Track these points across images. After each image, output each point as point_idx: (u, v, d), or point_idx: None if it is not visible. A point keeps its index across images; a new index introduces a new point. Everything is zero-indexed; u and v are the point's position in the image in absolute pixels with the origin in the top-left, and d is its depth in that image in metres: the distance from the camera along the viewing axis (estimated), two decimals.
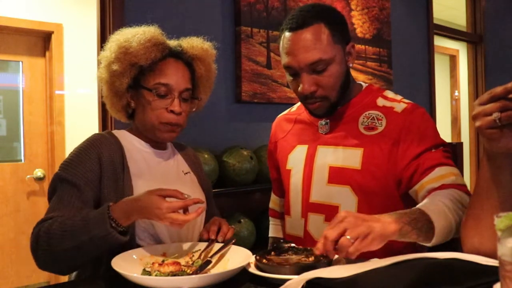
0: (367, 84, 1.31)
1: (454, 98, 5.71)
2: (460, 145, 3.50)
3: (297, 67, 1.16)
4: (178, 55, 1.26)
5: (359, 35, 3.03)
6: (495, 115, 0.75)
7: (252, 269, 0.92)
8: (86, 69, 3.43)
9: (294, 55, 1.15)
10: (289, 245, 1.03)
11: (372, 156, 1.17)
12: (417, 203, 1.08)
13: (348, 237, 0.84)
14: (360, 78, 3.02)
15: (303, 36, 1.15)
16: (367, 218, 0.89)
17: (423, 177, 1.11)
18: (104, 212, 0.99)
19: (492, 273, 0.69)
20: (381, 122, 1.20)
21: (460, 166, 3.60)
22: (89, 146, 1.15)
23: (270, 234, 1.54)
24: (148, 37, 1.18)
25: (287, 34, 1.18)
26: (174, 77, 1.20)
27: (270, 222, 1.55)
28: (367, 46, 3.07)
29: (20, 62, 3.27)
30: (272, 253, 1.01)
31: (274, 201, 1.52)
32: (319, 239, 0.88)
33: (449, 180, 1.09)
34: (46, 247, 1.00)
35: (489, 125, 0.77)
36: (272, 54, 2.48)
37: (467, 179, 3.58)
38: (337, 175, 1.20)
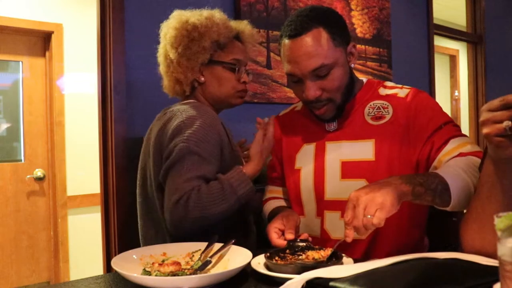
0: (366, 79, 1.32)
1: (454, 98, 5.71)
2: None
3: (300, 74, 1.16)
4: (238, 35, 1.45)
5: (359, 35, 3.03)
6: (506, 123, 0.73)
7: (261, 268, 0.92)
8: (86, 69, 3.44)
9: (296, 62, 1.15)
10: (304, 244, 1.04)
11: (385, 145, 1.17)
12: None
13: (368, 216, 0.86)
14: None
15: (303, 42, 1.14)
16: (377, 187, 0.90)
17: (439, 153, 1.12)
18: (242, 173, 1.19)
19: (492, 273, 0.69)
20: (387, 110, 1.21)
21: None
22: (212, 122, 1.27)
23: (273, 207, 1.39)
24: (226, 18, 1.41)
25: (286, 41, 1.18)
26: (243, 53, 1.43)
27: (267, 205, 1.43)
28: (367, 46, 3.07)
29: (20, 62, 3.27)
30: (287, 251, 1.02)
31: (275, 191, 1.44)
32: (345, 230, 0.90)
33: (465, 149, 1.09)
34: (198, 214, 1.12)
35: (498, 133, 0.75)
36: (272, 54, 2.48)
37: None
38: (350, 169, 1.19)
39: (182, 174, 1.17)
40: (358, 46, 3.02)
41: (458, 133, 1.14)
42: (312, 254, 1.01)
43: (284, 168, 1.36)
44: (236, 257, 1.00)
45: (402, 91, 1.23)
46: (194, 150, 1.19)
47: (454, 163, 1.04)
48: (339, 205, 1.19)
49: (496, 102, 0.75)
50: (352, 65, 1.24)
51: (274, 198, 1.42)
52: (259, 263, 0.96)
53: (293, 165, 1.31)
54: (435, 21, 3.67)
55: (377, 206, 0.87)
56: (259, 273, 0.92)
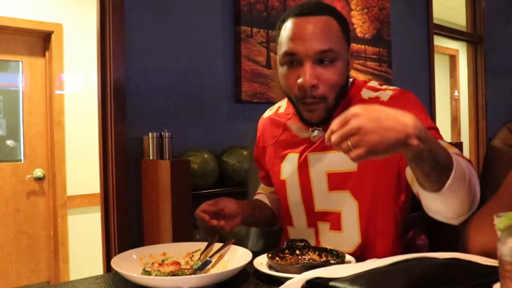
0: (351, 79, 1.21)
1: (454, 98, 5.71)
2: (460, 145, 3.51)
3: (303, 54, 1.05)
4: None
5: (359, 35, 3.03)
6: None
7: (264, 268, 0.92)
8: (86, 69, 3.44)
9: (303, 40, 1.05)
10: (303, 243, 1.04)
11: None
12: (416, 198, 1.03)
13: (349, 143, 0.75)
14: (360, 78, 3.02)
15: (316, 21, 1.06)
16: (384, 118, 0.75)
17: None
18: None
19: (492, 273, 0.69)
20: None
21: None
22: None
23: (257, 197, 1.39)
24: None
25: (294, 19, 1.08)
26: None
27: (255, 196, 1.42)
28: (367, 46, 3.07)
29: (20, 62, 3.27)
30: (286, 251, 1.02)
31: (263, 188, 1.42)
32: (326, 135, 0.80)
33: (452, 151, 0.93)
34: None
35: None
36: (272, 54, 2.48)
37: None
38: (336, 181, 1.14)
39: None
40: (358, 46, 3.02)
41: (442, 138, 1.06)
42: (312, 255, 1.01)
43: (270, 175, 1.30)
44: (236, 257, 1.00)
45: (385, 94, 1.14)
46: None
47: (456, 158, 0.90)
48: (328, 217, 1.17)
49: None
50: (350, 79, 1.18)
51: (260, 193, 1.41)
52: (261, 263, 0.96)
53: (279, 175, 1.25)
54: (435, 21, 3.67)
55: (367, 144, 0.74)
56: (261, 273, 0.92)
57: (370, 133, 0.74)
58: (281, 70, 1.12)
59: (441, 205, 0.92)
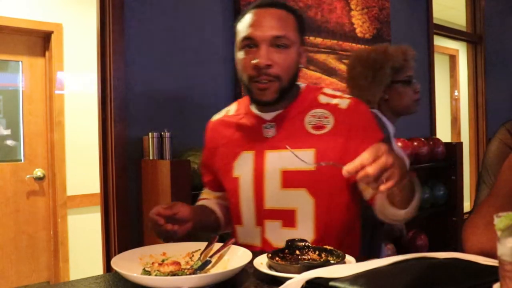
0: (304, 84, 1.29)
1: (454, 98, 5.71)
2: (460, 145, 3.50)
3: (260, 38, 1.15)
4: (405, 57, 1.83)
5: (359, 35, 3.03)
6: None
7: (264, 268, 0.92)
8: (86, 69, 3.44)
9: (261, 26, 1.15)
10: (303, 243, 1.04)
11: (325, 155, 1.15)
12: (362, 194, 1.18)
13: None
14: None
15: (273, 11, 1.18)
16: (398, 157, 0.89)
17: None
18: None
19: (492, 273, 0.69)
20: (328, 120, 1.20)
21: (460, 166, 3.57)
22: None
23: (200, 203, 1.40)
24: (396, 47, 1.84)
25: (253, 11, 1.19)
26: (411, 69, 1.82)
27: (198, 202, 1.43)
28: (367, 46, 3.07)
29: (20, 62, 3.27)
30: (286, 251, 1.02)
31: (207, 193, 1.42)
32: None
33: (397, 148, 1.23)
34: None
35: None
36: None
37: (466, 178, 3.58)
38: (291, 179, 1.18)
39: None
40: (358, 46, 3.02)
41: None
42: (312, 255, 1.01)
43: (220, 177, 1.31)
44: (236, 257, 1.00)
45: (343, 102, 1.22)
46: None
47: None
48: (280, 214, 1.19)
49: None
50: (301, 66, 1.24)
51: (204, 199, 1.41)
52: (261, 263, 0.96)
53: (231, 173, 1.26)
54: (435, 21, 3.67)
55: (396, 177, 0.86)
56: (261, 272, 0.92)
57: (399, 169, 0.87)
58: (239, 55, 1.20)
59: (402, 215, 1.10)
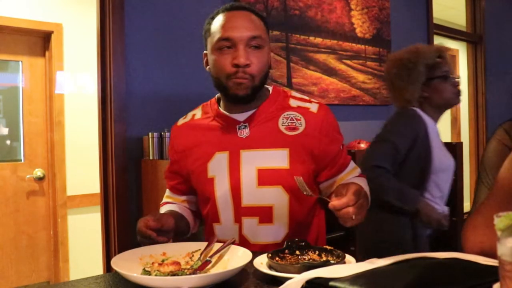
0: (271, 86, 1.35)
1: None
2: (460, 145, 3.51)
3: (237, 39, 1.20)
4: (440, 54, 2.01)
5: (359, 35, 3.03)
6: None
7: (264, 268, 0.92)
8: (86, 69, 3.44)
9: (236, 27, 1.21)
10: (303, 243, 1.04)
11: (298, 154, 1.24)
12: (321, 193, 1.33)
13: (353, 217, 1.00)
14: (360, 78, 3.03)
15: (245, 14, 1.24)
16: (364, 205, 1.04)
17: (342, 171, 1.32)
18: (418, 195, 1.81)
19: (492, 273, 0.69)
20: (300, 122, 1.27)
21: (460, 166, 3.60)
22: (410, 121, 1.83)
23: (165, 210, 1.39)
24: (427, 46, 2.10)
25: (224, 13, 1.24)
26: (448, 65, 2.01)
27: (163, 208, 1.43)
28: (367, 46, 3.07)
29: (20, 62, 3.27)
30: (286, 251, 1.02)
31: (172, 197, 1.44)
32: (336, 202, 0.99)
33: (358, 171, 1.36)
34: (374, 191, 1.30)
35: None
36: (271, 54, 2.48)
37: (466, 178, 3.57)
38: (266, 177, 1.23)
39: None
40: (357, 46, 3.02)
41: (348, 156, 1.37)
42: (312, 255, 1.01)
43: (192, 178, 1.33)
44: (236, 257, 1.00)
45: (312, 106, 1.31)
46: (390, 139, 1.84)
47: (364, 184, 1.27)
48: (256, 211, 1.24)
49: None
50: (271, 68, 1.31)
51: (170, 203, 1.42)
52: (261, 263, 0.96)
53: (205, 174, 1.28)
54: (435, 21, 3.67)
55: (363, 214, 1.04)
56: (261, 272, 0.92)
57: (365, 208, 1.05)
58: (214, 56, 1.24)
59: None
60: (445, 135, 5.17)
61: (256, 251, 1.09)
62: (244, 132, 1.27)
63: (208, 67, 1.30)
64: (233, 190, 1.25)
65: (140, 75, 2.15)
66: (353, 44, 3.00)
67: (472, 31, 4.22)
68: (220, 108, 1.32)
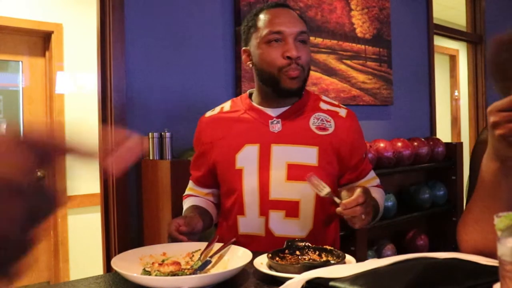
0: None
1: (454, 98, 5.71)
2: (460, 145, 3.50)
3: (288, 33, 1.26)
4: None
5: (359, 35, 3.03)
6: None
7: (264, 268, 0.92)
8: (86, 69, 3.44)
9: (287, 21, 1.27)
10: (303, 243, 1.04)
11: (326, 154, 1.29)
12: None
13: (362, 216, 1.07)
14: (360, 78, 3.02)
15: (290, 11, 1.31)
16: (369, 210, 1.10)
17: (362, 177, 1.38)
18: None
19: (492, 273, 0.69)
20: (330, 124, 1.33)
21: (460, 166, 3.57)
22: None
23: (189, 205, 1.41)
24: None
25: (271, 10, 1.30)
26: None
27: (186, 201, 1.45)
28: (367, 46, 3.07)
29: (20, 62, 3.27)
30: (286, 251, 1.02)
31: (195, 190, 1.45)
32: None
33: (377, 182, 1.41)
34: None
35: None
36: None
37: (466, 178, 3.57)
38: (296, 172, 1.26)
39: None
40: (358, 46, 3.02)
41: (370, 165, 1.42)
42: (312, 255, 1.01)
43: (219, 169, 1.35)
44: (236, 257, 1.00)
45: (341, 110, 1.37)
46: None
47: (379, 195, 1.35)
48: (284, 205, 1.27)
49: (506, 101, 0.74)
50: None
51: (194, 196, 1.44)
52: (261, 263, 0.96)
53: (233, 165, 1.30)
54: (435, 21, 3.67)
55: (364, 219, 1.09)
56: (261, 273, 0.92)
57: (371, 210, 1.12)
58: (261, 50, 1.29)
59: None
60: (445, 135, 5.18)
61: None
62: (276, 127, 1.31)
63: (249, 62, 1.34)
64: (262, 182, 1.27)
65: (140, 75, 2.15)
66: (353, 44, 3.00)
67: (472, 31, 4.21)
68: (253, 102, 1.36)
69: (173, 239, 1.15)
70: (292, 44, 1.25)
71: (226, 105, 1.42)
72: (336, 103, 1.41)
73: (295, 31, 1.27)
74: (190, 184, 1.48)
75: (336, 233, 1.38)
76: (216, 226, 1.45)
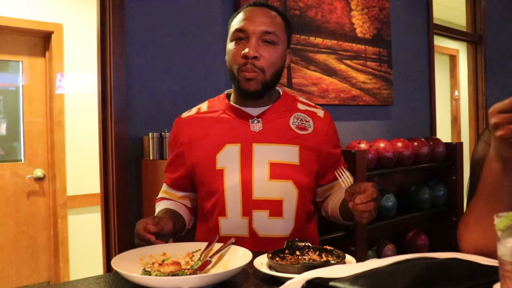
0: (281, 89, 1.41)
1: (454, 98, 5.71)
2: (460, 145, 3.50)
3: (251, 31, 1.24)
4: None
5: (359, 35, 3.03)
6: None
7: (264, 268, 0.92)
8: (86, 69, 3.44)
9: (253, 20, 1.25)
10: (303, 244, 1.04)
11: (307, 153, 1.30)
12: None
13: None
14: (360, 78, 3.02)
15: (265, 10, 1.29)
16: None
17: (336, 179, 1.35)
18: None
19: (492, 273, 0.69)
20: (309, 124, 1.34)
21: (460, 166, 3.57)
22: None
23: (161, 208, 1.37)
24: None
25: (246, 8, 1.29)
26: None
27: (159, 204, 1.41)
28: (367, 46, 3.07)
29: (20, 62, 3.27)
30: (286, 251, 1.02)
31: (169, 193, 1.41)
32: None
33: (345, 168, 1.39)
34: None
35: None
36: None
37: (466, 178, 3.57)
38: (278, 171, 1.26)
39: None
40: (358, 46, 3.02)
41: (344, 162, 1.43)
42: (313, 255, 1.01)
43: (197, 171, 1.31)
44: (236, 257, 1.00)
45: (319, 111, 1.39)
46: None
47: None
48: (267, 204, 1.25)
49: (507, 104, 0.74)
50: (285, 65, 1.34)
51: (166, 199, 1.40)
52: (261, 263, 0.96)
53: (213, 166, 1.28)
54: (435, 21, 3.67)
55: (372, 214, 1.09)
56: (261, 273, 0.92)
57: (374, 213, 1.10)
58: (229, 46, 1.29)
59: (344, 224, 1.39)
60: (445, 135, 5.18)
61: (264, 244, 1.13)
62: (257, 126, 1.30)
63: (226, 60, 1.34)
64: (244, 182, 1.26)
65: (141, 75, 2.14)
66: (353, 44, 3.00)
67: (472, 31, 4.21)
68: (231, 102, 1.35)
69: (140, 239, 1.12)
70: (253, 44, 1.23)
71: (203, 106, 1.40)
72: (313, 104, 1.42)
73: (259, 30, 1.24)
74: (164, 187, 1.43)
75: (315, 231, 1.39)
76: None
